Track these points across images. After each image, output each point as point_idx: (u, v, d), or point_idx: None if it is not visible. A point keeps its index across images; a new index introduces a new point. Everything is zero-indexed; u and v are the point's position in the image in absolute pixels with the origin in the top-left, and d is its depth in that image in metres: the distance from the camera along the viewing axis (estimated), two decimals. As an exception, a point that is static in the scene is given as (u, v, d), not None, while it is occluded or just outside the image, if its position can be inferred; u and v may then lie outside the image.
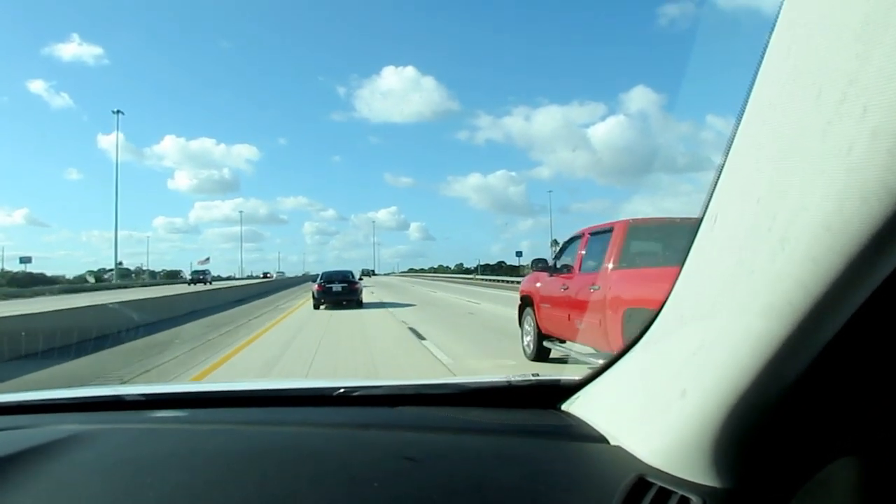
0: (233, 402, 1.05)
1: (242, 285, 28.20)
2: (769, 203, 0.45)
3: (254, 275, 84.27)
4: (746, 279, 0.47)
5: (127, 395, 1.07)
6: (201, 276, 50.13)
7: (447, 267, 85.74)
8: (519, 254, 60.51)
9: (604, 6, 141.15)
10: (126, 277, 62.46)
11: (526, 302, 6.83)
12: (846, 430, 0.51)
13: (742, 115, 0.51)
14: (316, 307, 15.68)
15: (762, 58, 0.48)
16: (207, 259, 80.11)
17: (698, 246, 0.59)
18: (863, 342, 0.46)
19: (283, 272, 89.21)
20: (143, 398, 1.06)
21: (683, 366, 0.58)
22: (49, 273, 56.33)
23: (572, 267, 5.67)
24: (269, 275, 79.97)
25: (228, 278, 74.54)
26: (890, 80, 0.33)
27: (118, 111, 51.23)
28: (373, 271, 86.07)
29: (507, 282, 31.65)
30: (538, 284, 6.45)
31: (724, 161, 0.54)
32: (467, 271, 65.94)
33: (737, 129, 0.52)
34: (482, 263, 64.62)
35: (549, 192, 76.41)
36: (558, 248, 6.69)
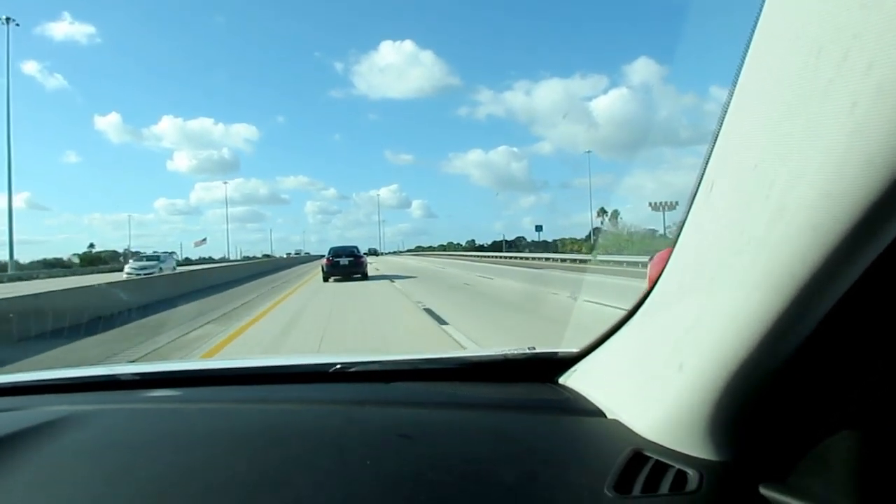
0: (228, 380, 1.04)
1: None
2: (766, 170, 0.43)
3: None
4: (744, 249, 0.46)
5: (121, 374, 1.07)
6: None
7: (458, 244, 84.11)
8: (539, 228, 59.85)
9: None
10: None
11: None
12: (843, 403, 0.50)
13: (737, 78, 0.49)
14: (325, 280, 16.02)
15: (758, 17, 0.45)
16: (204, 240, 71.85)
17: (694, 215, 0.57)
18: (863, 313, 0.45)
19: (167, 254, 32.84)
20: (137, 377, 1.06)
21: (680, 339, 0.57)
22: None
23: None
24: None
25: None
26: None
27: (8, 18, 40.31)
28: (377, 250, 79.52)
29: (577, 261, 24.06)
30: None
31: (720, 127, 0.52)
32: (480, 248, 64.95)
33: (732, 94, 0.49)
34: (504, 239, 63.54)
35: (588, 152, 71.56)
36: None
